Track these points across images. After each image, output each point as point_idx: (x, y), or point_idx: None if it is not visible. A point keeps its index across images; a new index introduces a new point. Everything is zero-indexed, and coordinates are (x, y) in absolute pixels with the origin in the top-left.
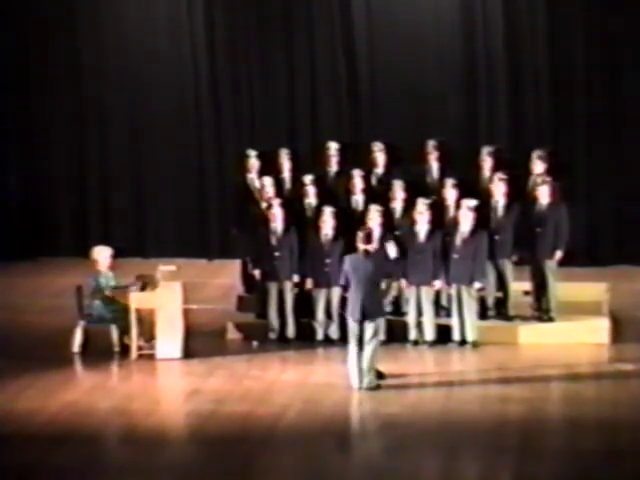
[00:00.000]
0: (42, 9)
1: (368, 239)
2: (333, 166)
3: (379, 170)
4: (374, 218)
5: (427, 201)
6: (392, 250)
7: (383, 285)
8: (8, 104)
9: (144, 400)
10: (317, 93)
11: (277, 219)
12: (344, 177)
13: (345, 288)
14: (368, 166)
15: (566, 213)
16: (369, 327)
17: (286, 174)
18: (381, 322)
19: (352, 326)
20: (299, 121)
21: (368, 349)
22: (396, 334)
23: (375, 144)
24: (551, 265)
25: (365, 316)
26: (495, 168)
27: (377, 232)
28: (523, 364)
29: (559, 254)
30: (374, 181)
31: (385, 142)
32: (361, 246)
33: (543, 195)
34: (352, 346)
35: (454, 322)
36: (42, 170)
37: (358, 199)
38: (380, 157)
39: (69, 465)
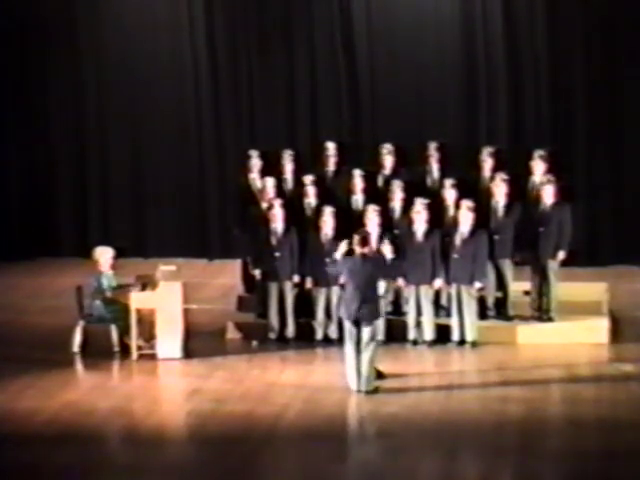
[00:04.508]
0: (42, 9)
1: (364, 242)
2: (331, 166)
3: (386, 172)
4: (372, 218)
5: (425, 201)
6: (388, 251)
7: (383, 287)
8: (8, 104)
9: (144, 400)
10: (317, 93)
11: (277, 219)
12: (343, 177)
13: (343, 286)
14: (376, 167)
15: (569, 213)
16: (366, 330)
17: (288, 175)
18: (379, 324)
19: (349, 328)
20: (299, 121)
21: (366, 352)
22: (395, 334)
23: (384, 146)
24: (553, 265)
25: (362, 319)
26: (496, 168)
27: (375, 232)
28: (523, 364)
29: (562, 254)
30: (380, 182)
31: (394, 144)
32: (358, 249)
33: (547, 195)
34: (349, 348)
35: (453, 322)
36: (42, 170)
37: (358, 199)
38: (388, 159)
39: (69, 465)
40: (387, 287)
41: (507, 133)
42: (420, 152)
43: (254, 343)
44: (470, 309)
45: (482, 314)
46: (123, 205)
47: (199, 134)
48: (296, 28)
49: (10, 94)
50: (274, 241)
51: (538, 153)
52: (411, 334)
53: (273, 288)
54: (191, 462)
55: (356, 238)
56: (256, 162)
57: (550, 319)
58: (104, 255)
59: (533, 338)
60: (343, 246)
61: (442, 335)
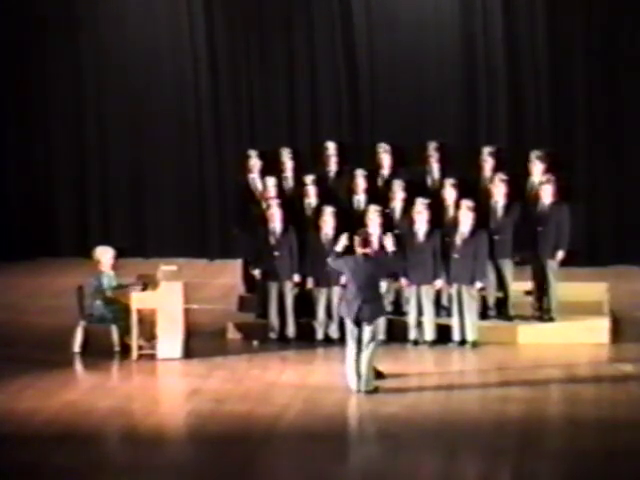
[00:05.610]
0: (42, 9)
1: (365, 243)
2: (332, 166)
3: (385, 171)
4: (373, 218)
5: (426, 201)
6: (390, 243)
7: (384, 286)
8: (8, 104)
9: (144, 400)
10: (317, 93)
11: (275, 219)
12: (344, 177)
13: (344, 286)
14: (374, 167)
15: (568, 213)
16: (367, 330)
17: (288, 174)
18: (380, 323)
19: (350, 328)
20: (299, 121)
21: (367, 352)
22: (396, 334)
23: (381, 145)
24: (552, 265)
25: (363, 318)
26: (496, 168)
27: (377, 232)
28: (523, 364)
29: (561, 254)
30: (380, 182)
31: (391, 143)
32: (359, 250)
33: (546, 194)
34: (350, 348)
35: (454, 322)
36: (42, 170)
37: (360, 199)
38: (386, 158)
39: (69, 465)
40: (388, 287)
41: (507, 133)
42: (420, 152)
43: (255, 343)
44: (471, 309)
45: (483, 314)
46: (123, 205)
47: (199, 134)
48: (296, 28)
49: (10, 94)
50: (273, 241)
51: (535, 154)
52: (412, 334)
53: (273, 288)
54: (191, 462)
55: (357, 239)
56: (255, 162)
57: (551, 319)
58: (105, 255)
59: (534, 338)
60: (343, 240)
61: (443, 335)
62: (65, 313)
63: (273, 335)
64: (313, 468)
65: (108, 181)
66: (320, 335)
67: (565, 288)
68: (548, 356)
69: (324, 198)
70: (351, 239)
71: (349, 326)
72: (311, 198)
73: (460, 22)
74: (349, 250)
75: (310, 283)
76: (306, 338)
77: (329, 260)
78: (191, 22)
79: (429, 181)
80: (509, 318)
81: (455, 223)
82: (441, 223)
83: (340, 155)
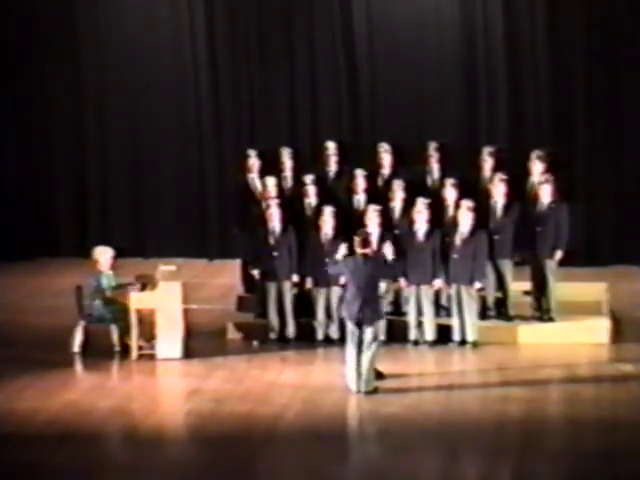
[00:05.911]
0: (42, 9)
1: (365, 243)
2: (332, 165)
3: (385, 171)
4: (373, 218)
5: (426, 200)
6: (389, 252)
7: (383, 287)
8: (8, 104)
9: (144, 400)
10: (317, 93)
11: (274, 219)
12: (344, 176)
13: (344, 287)
14: (374, 167)
15: (567, 213)
16: (368, 331)
17: (288, 173)
18: (381, 324)
19: (351, 329)
20: (299, 121)
21: (368, 353)
22: (396, 334)
23: (381, 145)
24: (551, 265)
25: (364, 319)
26: (496, 168)
27: (376, 232)
28: (523, 364)
29: (559, 254)
30: (380, 182)
31: (391, 143)
32: (359, 250)
33: (545, 194)
34: (350, 349)
35: (454, 322)
36: (42, 170)
37: (360, 199)
38: (386, 158)
39: (69, 465)
40: (387, 287)
41: (507, 133)
42: (420, 152)
43: (255, 343)
44: (470, 309)
45: (482, 314)
46: (123, 205)
47: (199, 134)
48: (296, 28)
49: (10, 94)
50: (272, 241)
51: (536, 154)
52: (412, 334)
53: (272, 288)
54: (191, 462)
55: (357, 239)
56: (254, 161)
57: (551, 319)
58: (104, 255)
59: (533, 338)
60: (343, 249)
61: (443, 335)
62: (65, 313)
63: (273, 335)
64: (313, 468)
65: (108, 181)
66: (320, 335)
67: (564, 288)
68: (548, 356)
69: (324, 198)
70: (350, 241)
71: (350, 327)
72: (311, 198)
73: (460, 22)
74: (348, 251)
75: (309, 283)
76: (306, 338)
77: (328, 267)
78: (191, 22)
79: (429, 181)
80: (509, 318)
81: (455, 223)
82: (441, 223)
83: (340, 155)
